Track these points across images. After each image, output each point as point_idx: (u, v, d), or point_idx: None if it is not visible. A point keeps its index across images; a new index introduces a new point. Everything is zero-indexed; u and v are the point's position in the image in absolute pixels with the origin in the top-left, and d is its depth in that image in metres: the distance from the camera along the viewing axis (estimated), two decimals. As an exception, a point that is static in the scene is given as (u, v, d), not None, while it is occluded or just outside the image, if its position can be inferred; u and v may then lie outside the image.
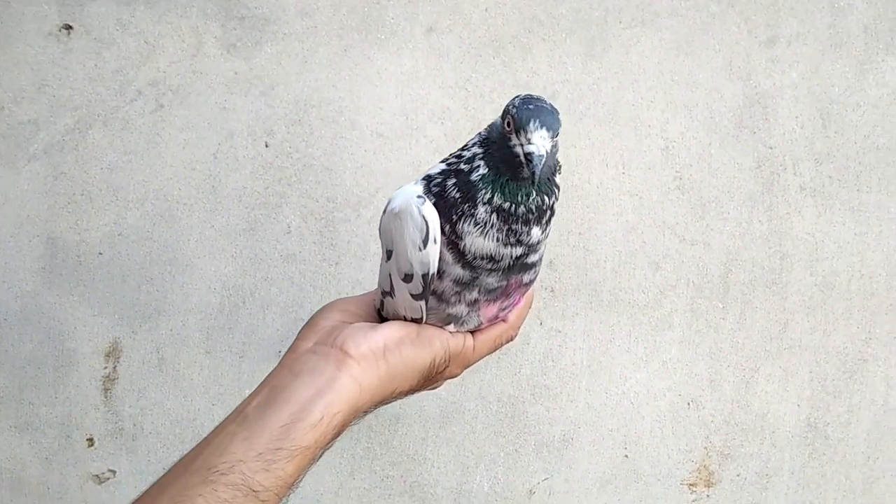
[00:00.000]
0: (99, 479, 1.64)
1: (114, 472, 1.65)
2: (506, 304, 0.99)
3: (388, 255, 0.94)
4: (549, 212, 0.92)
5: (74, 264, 1.58)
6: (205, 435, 0.88)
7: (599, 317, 1.69)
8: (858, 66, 1.68)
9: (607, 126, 1.63)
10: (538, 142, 0.84)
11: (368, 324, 0.96)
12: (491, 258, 0.89)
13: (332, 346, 0.90)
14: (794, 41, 1.66)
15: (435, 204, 0.88)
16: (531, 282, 0.99)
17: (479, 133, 0.94)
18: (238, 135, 1.57)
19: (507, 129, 0.87)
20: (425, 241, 0.87)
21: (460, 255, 0.89)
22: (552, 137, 0.86)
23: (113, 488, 1.64)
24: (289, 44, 1.57)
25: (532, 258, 0.94)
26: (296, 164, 1.59)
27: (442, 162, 0.94)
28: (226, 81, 1.56)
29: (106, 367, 1.62)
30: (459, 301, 0.93)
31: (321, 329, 0.94)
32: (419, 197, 0.89)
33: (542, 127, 0.84)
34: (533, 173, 0.84)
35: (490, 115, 1.49)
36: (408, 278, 0.90)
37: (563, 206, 1.57)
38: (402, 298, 0.94)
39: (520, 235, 0.89)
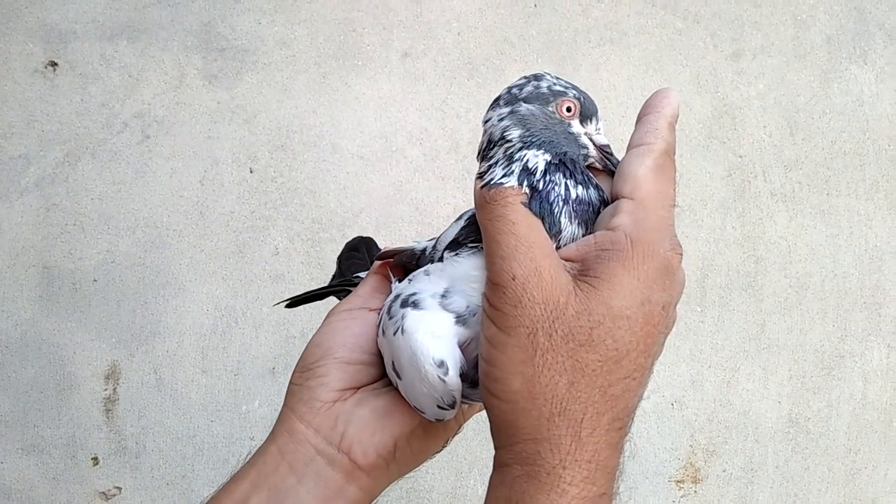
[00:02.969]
0: (105, 496, 1.63)
1: (119, 488, 1.63)
2: None
3: (393, 369, 0.72)
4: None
5: (70, 291, 1.57)
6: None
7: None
8: (823, 75, 1.66)
9: (581, 141, 1.61)
10: (603, 131, 0.70)
11: (375, 411, 0.76)
12: None
13: (337, 450, 0.74)
14: (759, 54, 1.64)
15: None
16: None
17: (510, 140, 0.69)
18: (223, 162, 1.57)
19: (567, 113, 0.68)
20: (452, 405, 0.68)
21: None
22: None
23: (118, 505, 1.64)
24: (269, 73, 1.56)
25: None
26: (280, 188, 1.58)
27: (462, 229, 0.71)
28: (209, 111, 1.56)
29: (106, 389, 1.61)
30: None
31: (321, 408, 0.76)
32: (441, 361, 0.66)
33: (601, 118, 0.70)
34: (616, 168, 0.65)
35: (467, 134, 1.48)
36: (420, 411, 0.73)
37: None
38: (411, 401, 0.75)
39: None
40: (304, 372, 0.78)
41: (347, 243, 1.07)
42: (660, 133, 0.62)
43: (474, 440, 1.67)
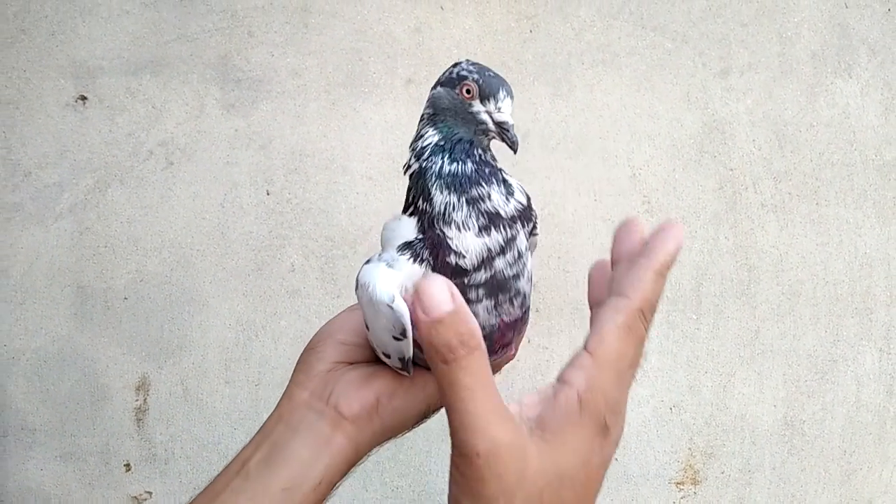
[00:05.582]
0: (137, 501, 1.65)
1: (150, 493, 1.65)
2: (494, 359, 0.84)
3: (367, 327, 0.81)
4: (504, 181, 0.79)
5: (103, 309, 1.59)
6: (226, 462, 0.83)
7: (582, 333, 1.65)
8: (809, 89, 1.65)
9: (577, 158, 1.61)
10: (508, 110, 0.77)
11: (362, 372, 0.86)
12: (482, 263, 0.75)
13: (326, 404, 0.83)
14: (746, 71, 1.63)
15: (433, 266, 0.75)
16: (518, 322, 0.83)
17: (424, 114, 0.83)
18: (242, 185, 1.59)
19: (468, 95, 0.77)
20: (403, 333, 0.75)
21: (459, 277, 0.75)
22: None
23: (149, 509, 1.66)
24: (282, 101, 1.58)
25: (513, 263, 0.77)
26: (295, 209, 1.59)
27: (408, 213, 0.80)
28: (227, 138, 1.58)
29: (137, 400, 1.63)
30: None
31: (316, 375, 0.87)
32: (390, 292, 0.74)
33: (508, 95, 0.77)
34: (513, 142, 0.76)
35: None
36: (386, 356, 0.81)
37: (543, 233, 1.55)
38: (387, 362, 0.84)
39: (483, 203, 0.76)
40: (307, 351, 0.88)
41: None
42: (643, 286, 0.62)
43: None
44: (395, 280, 0.75)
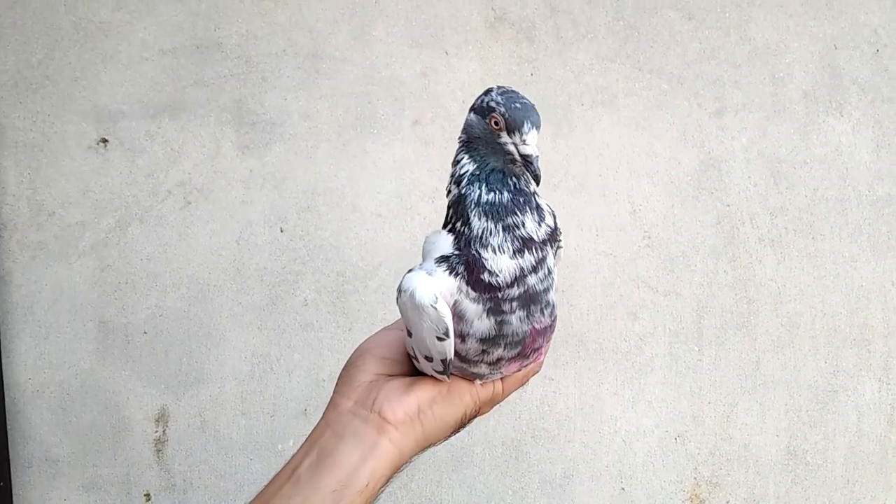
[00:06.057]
0: (156, 530, 1.69)
1: (168, 522, 1.69)
2: (526, 363, 0.92)
3: (409, 333, 0.86)
4: (537, 207, 0.84)
5: (123, 343, 1.64)
6: (256, 491, 0.86)
7: (587, 364, 1.70)
8: (802, 128, 1.68)
9: (579, 195, 1.65)
10: (533, 142, 0.79)
11: (403, 381, 0.90)
12: (514, 280, 0.80)
13: (370, 411, 0.86)
14: (740, 110, 1.67)
15: (467, 280, 0.81)
16: (548, 329, 0.88)
17: (460, 138, 0.87)
18: (256, 223, 1.63)
19: (496, 127, 0.80)
20: (446, 333, 0.81)
21: (492, 291, 0.81)
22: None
23: (169, 537, 1.69)
24: (295, 143, 1.63)
25: (544, 279, 0.83)
26: (308, 245, 1.64)
27: (447, 229, 0.85)
28: (243, 178, 1.63)
29: (157, 431, 1.66)
30: (481, 362, 0.87)
31: (359, 385, 0.90)
32: (433, 294, 0.80)
33: (534, 127, 0.79)
34: (536, 175, 0.79)
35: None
36: (428, 359, 0.85)
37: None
38: (427, 367, 0.88)
39: (518, 229, 0.80)
40: (347, 367, 0.92)
41: None
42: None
43: (490, 476, 1.69)
44: (436, 286, 0.80)
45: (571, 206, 1.65)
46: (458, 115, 1.63)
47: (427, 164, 1.64)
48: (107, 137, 1.62)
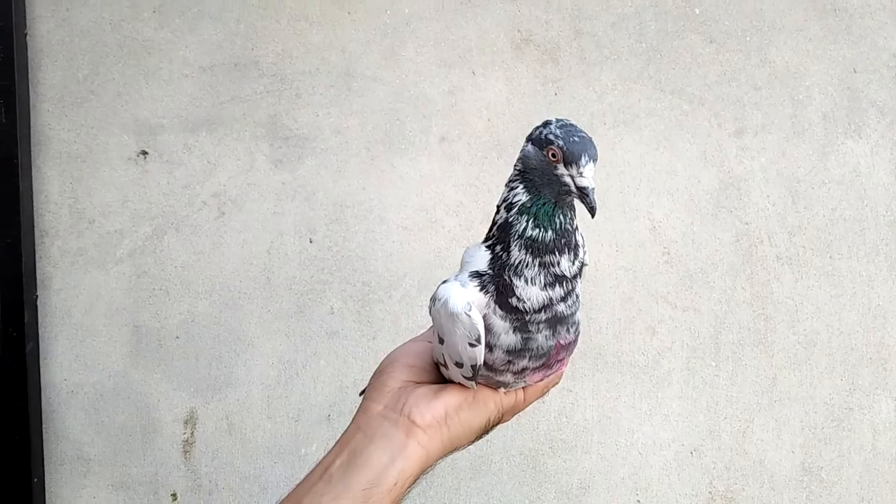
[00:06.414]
0: (183, 530, 1.72)
1: (194, 523, 1.72)
2: (549, 373, 0.93)
3: (441, 341, 0.89)
4: (575, 245, 0.86)
5: (156, 347, 1.68)
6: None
7: (605, 377, 1.72)
8: (820, 149, 1.71)
9: (600, 211, 1.66)
10: (590, 175, 0.80)
11: (431, 388, 0.93)
12: (542, 308, 0.83)
13: (400, 414, 0.89)
14: (760, 131, 1.70)
15: (496, 299, 0.84)
16: (571, 343, 0.91)
17: (516, 168, 0.87)
18: (287, 234, 1.68)
19: (553, 159, 0.81)
20: (478, 340, 0.83)
21: (519, 314, 0.83)
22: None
23: (194, 537, 1.73)
24: (325, 157, 1.68)
25: (571, 305, 0.86)
26: (336, 256, 1.68)
27: (487, 244, 0.88)
28: (275, 190, 1.67)
29: (185, 433, 1.70)
30: (507, 371, 0.90)
31: (389, 391, 0.92)
32: (466, 302, 0.83)
33: (591, 160, 0.80)
34: (592, 207, 0.80)
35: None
36: (459, 365, 0.87)
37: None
38: (455, 374, 0.90)
39: (553, 267, 0.82)
40: (377, 374, 0.95)
41: None
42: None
43: (507, 485, 1.72)
44: (468, 296, 0.84)
45: (593, 222, 1.67)
46: (483, 132, 1.67)
47: (452, 180, 1.68)
48: (147, 150, 1.67)
